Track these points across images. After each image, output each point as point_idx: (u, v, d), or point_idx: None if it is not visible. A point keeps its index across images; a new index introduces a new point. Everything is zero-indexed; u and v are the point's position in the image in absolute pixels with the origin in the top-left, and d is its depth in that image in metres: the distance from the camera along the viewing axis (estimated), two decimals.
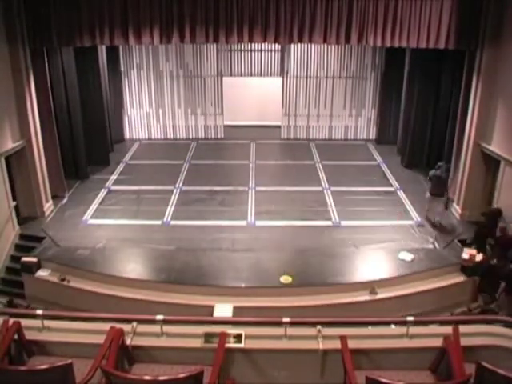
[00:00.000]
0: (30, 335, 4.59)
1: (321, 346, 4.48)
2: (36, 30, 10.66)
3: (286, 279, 9.12)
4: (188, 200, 11.91)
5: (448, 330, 4.57)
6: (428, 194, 11.12)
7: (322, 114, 17.20)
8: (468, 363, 4.16)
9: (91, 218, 11.62)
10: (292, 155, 15.57)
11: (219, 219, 11.41)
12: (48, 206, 11.73)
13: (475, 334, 4.69)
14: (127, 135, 17.30)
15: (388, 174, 14.16)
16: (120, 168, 14.60)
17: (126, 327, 4.57)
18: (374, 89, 17.19)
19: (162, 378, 3.81)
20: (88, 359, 4.13)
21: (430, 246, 10.26)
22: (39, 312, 4.75)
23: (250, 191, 12.86)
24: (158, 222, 11.37)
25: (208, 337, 4.60)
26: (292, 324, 4.64)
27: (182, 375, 3.83)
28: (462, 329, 4.55)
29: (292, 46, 16.17)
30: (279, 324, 4.65)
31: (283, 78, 17.07)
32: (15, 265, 10.12)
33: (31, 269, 9.53)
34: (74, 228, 10.20)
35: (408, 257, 9.49)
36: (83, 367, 4.13)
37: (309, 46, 16.46)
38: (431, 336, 4.61)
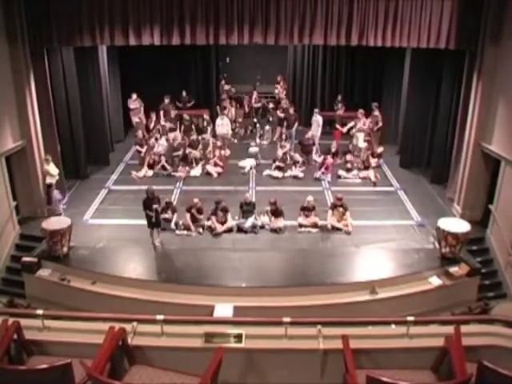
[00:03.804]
0: (29, 335, 4.59)
1: (321, 346, 4.48)
2: (36, 30, 10.67)
3: None
4: (188, 200, 11.85)
5: (449, 329, 4.56)
6: None
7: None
8: (469, 363, 4.15)
9: (91, 217, 11.62)
10: None
11: None
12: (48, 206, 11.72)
13: (476, 334, 4.69)
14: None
15: (388, 173, 14.14)
16: (120, 168, 14.60)
17: (127, 327, 4.56)
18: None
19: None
20: (88, 359, 4.12)
21: (430, 246, 10.26)
22: (39, 312, 4.75)
23: (250, 191, 12.84)
24: None
25: (208, 337, 4.60)
26: (292, 324, 4.64)
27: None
28: (463, 329, 4.55)
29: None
30: (279, 324, 4.64)
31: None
32: (16, 264, 10.14)
33: (31, 268, 9.54)
34: (75, 228, 10.20)
35: (436, 281, 9.37)
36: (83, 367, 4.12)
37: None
38: (432, 336, 4.60)
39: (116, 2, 10.49)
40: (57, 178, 11.88)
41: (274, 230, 10.92)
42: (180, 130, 15.73)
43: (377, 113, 15.03)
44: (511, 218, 9.80)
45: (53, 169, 11.73)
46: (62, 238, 9.68)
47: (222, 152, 14.45)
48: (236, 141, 16.53)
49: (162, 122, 15.63)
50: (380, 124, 14.99)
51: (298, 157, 14.31)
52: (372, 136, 14.88)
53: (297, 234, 10.89)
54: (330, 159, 13.96)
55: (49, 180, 11.69)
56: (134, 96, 15.97)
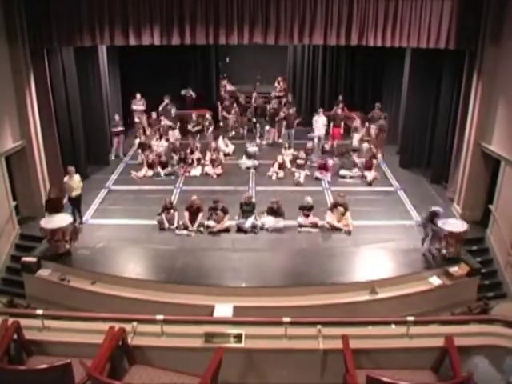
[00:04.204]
0: (29, 335, 4.59)
1: (321, 346, 4.48)
2: (36, 31, 10.67)
3: None
4: (188, 200, 11.86)
5: (449, 329, 4.57)
6: None
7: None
8: None
9: (91, 217, 11.62)
10: None
11: None
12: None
13: (476, 334, 4.69)
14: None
15: (388, 173, 14.14)
16: (120, 168, 14.60)
17: (127, 327, 4.57)
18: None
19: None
20: (88, 359, 4.12)
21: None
22: (39, 312, 4.75)
23: (250, 191, 12.84)
24: None
25: (208, 337, 4.60)
26: (292, 324, 4.64)
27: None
28: (463, 329, 4.55)
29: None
30: (279, 324, 4.65)
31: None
32: (15, 264, 10.14)
33: (31, 268, 9.53)
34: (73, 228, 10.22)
35: (436, 281, 9.36)
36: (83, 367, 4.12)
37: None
38: (432, 336, 4.61)
39: (116, 2, 10.49)
40: (79, 192, 11.10)
41: (274, 230, 10.91)
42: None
43: (382, 121, 15.07)
44: (511, 218, 9.80)
45: (76, 182, 11.01)
46: (63, 236, 9.69)
47: (220, 154, 14.47)
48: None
49: (163, 122, 15.63)
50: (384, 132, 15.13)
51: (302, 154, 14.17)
52: (377, 141, 15.01)
53: (297, 234, 10.89)
54: (330, 160, 13.96)
55: (72, 194, 10.97)
56: (138, 96, 15.93)
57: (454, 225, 9.74)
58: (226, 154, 15.03)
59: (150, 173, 13.94)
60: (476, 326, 4.90)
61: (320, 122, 15.10)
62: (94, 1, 10.46)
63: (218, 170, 14.01)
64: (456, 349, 4.24)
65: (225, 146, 15.24)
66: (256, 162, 14.47)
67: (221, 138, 15.39)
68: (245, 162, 14.50)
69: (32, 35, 10.67)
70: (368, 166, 13.78)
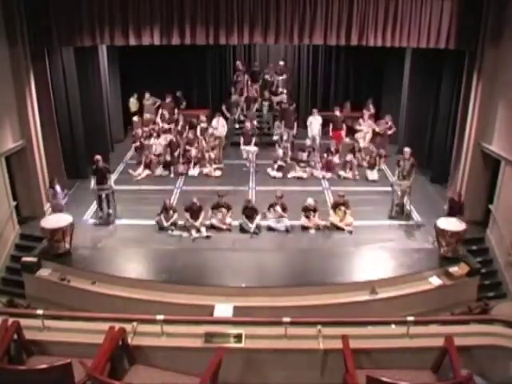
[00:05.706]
0: (29, 335, 4.59)
1: (321, 346, 4.48)
2: (36, 31, 10.69)
3: None
4: (188, 200, 11.85)
5: (449, 329, 4.57)
6: None
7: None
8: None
9: (91, 217, 11.61)
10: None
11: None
12: (48, 206, 11.71)
13: (476, 334, 4.69)
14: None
15: (388, 173, 14.13)
16: (120, 168, 14.58)
17: (127, 327, 4.57)
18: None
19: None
20: (88, 359, 4.12)
21: (430, 246, 10.26)
22: (39, 312, 4.75)
23: (250, 191, 12.84)
24: None
25: (208, 337, 4.60)
26: (292, 324, 4.64)
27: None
28: (463, 328, 4.55)
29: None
30: (279, 324, 4.65)
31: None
32: (15, 264, 10.14)
33: (31, 268, 9.54)
34: (74, 228, 10.21)
35: (436, 281, 9.37)
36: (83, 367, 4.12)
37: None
38: (432, 336, 4.61)
39: (116, 1, 10.50)
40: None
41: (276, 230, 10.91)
42: (184, 130, 15.54)
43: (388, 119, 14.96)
44: (511, 217, 9.80)
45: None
46: (64, 236, 9.69)
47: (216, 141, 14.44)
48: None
49: (160, 124, 15.48)
50: (394, 129, 14.87)
51: (303, 156, 14.04)
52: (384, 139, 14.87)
53: (297, 234, 10.88)
54: (335, 159, 13.94)
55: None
56: (147, 95, 16.00)
57: (453, 224, 9.75)
58: (217, 137, 14.63)
59: (146, 172, 13.82)
60: (476, 326, 4.91)
61: (315, 122, 14.96)
62: (93, 1, 10.48)
63: (218, 173, 13.93)
64: (456, 349, 4.24)
65: (221, 125, 14.87)
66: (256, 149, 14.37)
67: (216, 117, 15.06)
68: (244, 147, 14.29)
69: (32, 35, 10.68)
70: (372, 164, 13.84)
